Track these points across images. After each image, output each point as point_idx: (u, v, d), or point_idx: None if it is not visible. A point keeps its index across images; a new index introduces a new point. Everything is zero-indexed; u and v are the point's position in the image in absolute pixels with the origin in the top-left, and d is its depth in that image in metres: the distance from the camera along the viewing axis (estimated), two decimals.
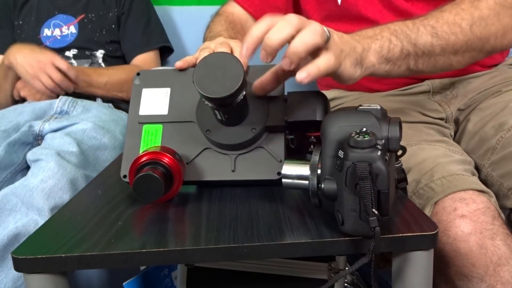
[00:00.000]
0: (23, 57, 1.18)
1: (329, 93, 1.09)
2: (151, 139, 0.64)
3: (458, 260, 0.65)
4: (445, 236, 0.65)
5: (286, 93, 0.63)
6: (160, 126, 0.64)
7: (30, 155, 0.93)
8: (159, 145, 0.64)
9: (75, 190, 0.86)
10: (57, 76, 1.17)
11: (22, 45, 1.24)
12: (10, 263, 0.78)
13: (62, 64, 1.19)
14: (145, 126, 0.65)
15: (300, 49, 0.53)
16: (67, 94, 1.22)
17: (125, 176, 0.62)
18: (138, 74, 0.69)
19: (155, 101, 0.66)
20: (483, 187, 0.71)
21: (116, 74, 1.32)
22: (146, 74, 0.69)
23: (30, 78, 1.17)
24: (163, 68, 0.70)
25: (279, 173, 0.58)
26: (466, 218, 0.66)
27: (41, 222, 0.79)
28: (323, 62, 0.55)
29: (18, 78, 1.22)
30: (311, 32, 0.53)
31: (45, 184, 0.83)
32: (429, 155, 0.77)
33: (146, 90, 0.67)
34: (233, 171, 0.61)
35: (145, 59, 1.42)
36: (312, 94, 0.61)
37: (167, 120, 0.64)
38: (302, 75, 0.53)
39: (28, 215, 0.81)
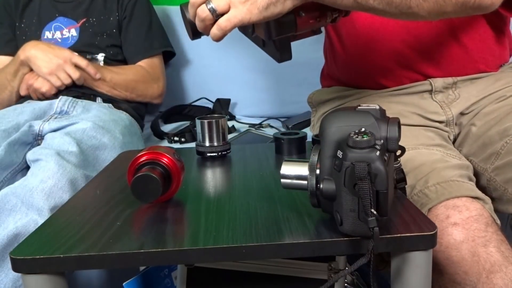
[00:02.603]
0: (41, 52, 1.20)
1: (330, 91, 1.09)
2: None
3: (451, 268, 0.65)
4: (438, 244, 0.65)
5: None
6: None
7: (30, 155, 0.93)
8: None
9: (75, 190, 0.86)
10: (75, 74, 1.21)
11: (38, 41, 1.26)
12: (10, 263, 0.78)
13: (81, 61, 1.22)
14: None
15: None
16: (67, 92, 1.23)
17: None
18: None
19: None
20: (478, 193, 0.71)
21: (122, 73, 1.33)
22: None
23: (47, 73, 1.20)
24: None
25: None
26: (458, 226, 0.66)
27: (41, 222, 0.79)
28: (232, 15, 0.62)
29: (26, 72, 1.23)
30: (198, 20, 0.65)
31: (45, 184, 0.83)
32: (426, 160, 0.77)
33: None
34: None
35: (147, 65, 1.42)
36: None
37: None
38: (213, 34, 0.64)
39: (28, 215, 0.81)
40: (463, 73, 0.93)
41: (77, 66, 1.22)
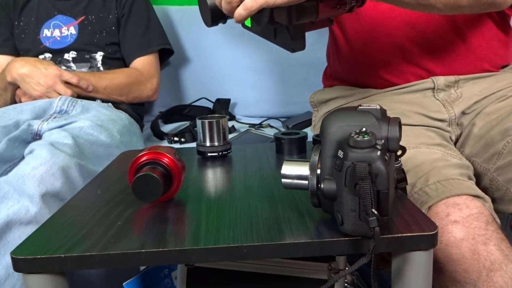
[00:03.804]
0: (28, 74, 1.18)
1: (332, 91, 1.09)
2: None
3: (451, 266, 0.65)
4: (438, 242, 0.65)
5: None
6: None
7: (27, 150, 0.93)
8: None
9: (68, 178, 0.86)
10: (66, 93, 1.19)
11: (23, 60, 1.22)
12: (2, 250, 0.78)
13: (71, 78, 1.20)
14: None
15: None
16: None
17: None
18: None
19: None
20: (478, 192, 0.71)
21: (115, 78, 1.32)
22: None
23: (38, 96, 1.18)
24: None
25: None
26: (458, 224, 0.66)
27: (32, 208, 0.79)
28: None
29: (18, 87, 1.22)
30: (224, 2, 0.63)
31: (37, 170, 0.83)
32: (426, 159, 0.77)
33: None
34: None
35: (144, 62, 1.42)
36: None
37: None
38: (238, 14, 0.61)
39: (19, 201, 0.80)
40: (467, 71, 0.94)
41: (68, 82, 1.21)
